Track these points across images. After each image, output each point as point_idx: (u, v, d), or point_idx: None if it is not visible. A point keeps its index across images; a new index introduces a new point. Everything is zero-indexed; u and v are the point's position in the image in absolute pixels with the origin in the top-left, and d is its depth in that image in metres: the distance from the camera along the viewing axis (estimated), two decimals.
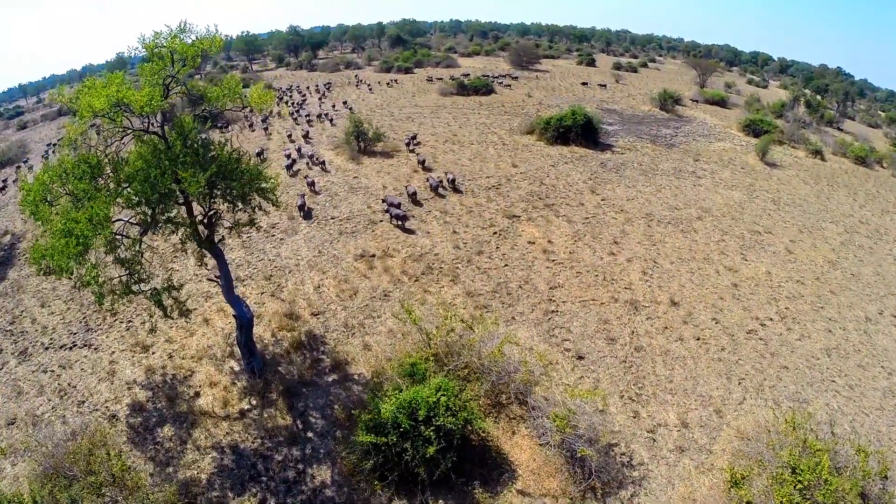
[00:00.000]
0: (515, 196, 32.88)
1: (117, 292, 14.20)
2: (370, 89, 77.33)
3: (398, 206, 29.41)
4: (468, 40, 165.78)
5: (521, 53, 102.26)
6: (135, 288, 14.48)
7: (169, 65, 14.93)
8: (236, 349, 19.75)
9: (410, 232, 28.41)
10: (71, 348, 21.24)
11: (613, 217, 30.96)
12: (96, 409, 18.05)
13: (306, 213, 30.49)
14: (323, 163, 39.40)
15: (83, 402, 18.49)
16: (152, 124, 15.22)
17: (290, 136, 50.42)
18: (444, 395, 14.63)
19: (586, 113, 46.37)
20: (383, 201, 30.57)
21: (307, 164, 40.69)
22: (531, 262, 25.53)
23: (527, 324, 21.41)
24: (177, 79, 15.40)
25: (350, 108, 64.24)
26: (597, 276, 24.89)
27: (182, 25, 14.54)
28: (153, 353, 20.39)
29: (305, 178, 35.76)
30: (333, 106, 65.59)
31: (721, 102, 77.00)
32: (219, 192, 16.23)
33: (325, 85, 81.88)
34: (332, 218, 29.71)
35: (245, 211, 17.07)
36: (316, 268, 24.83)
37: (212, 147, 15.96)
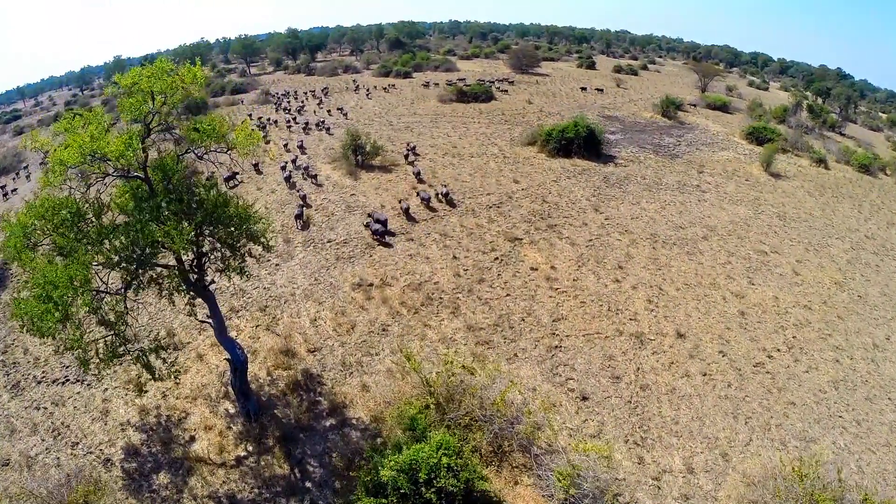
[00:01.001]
0: (517, 216, 32.20)
1: (102, 356, 13.54)
2: (368, 95, 76.59)
3: (384, 223, 29.51)
4: (467, 42, 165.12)
5: (520, 57, 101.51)
6: (121, 350, 13.81)
7: (149, 100, 14.21)
8: (231, 389, 19.13)
9: (388, 246, 28.67)
10: (63, 383, 20.65)
11: (618, 239, 30.28)
12: (91, 452, 17.50)
13: (304, 224, 31.06)
14: (315, 176, 38.95)
15: (77, 443, 17.93)
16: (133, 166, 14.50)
17: (286, 145, 49.78)
18: (445, 454, 13.96)
19: (588, 124, 45.67)
20: (369, 216, 30.76)
21: (302, 175, 40.20)
22: (534, 290, 24.86)
23: (529, 361, 20.76)
24: (160, 114, 14.67)
25: (345, 114, 63.64)
26: (601, 305, 24.23)
27: (158, 65, 13.82)
28: (146, 392, 19.75)
29: (298, 191, 35.16)
30: (329, 112, 64.98)
31: (723, 107, 76.35)
32: (206, 239, 15.56)
33: (322, 90, 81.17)
34: (329, 241, 29.05)
35: (234, 258, 16.33)
36: (312, 298, 24.17)
37: (197, 190, 15.16)
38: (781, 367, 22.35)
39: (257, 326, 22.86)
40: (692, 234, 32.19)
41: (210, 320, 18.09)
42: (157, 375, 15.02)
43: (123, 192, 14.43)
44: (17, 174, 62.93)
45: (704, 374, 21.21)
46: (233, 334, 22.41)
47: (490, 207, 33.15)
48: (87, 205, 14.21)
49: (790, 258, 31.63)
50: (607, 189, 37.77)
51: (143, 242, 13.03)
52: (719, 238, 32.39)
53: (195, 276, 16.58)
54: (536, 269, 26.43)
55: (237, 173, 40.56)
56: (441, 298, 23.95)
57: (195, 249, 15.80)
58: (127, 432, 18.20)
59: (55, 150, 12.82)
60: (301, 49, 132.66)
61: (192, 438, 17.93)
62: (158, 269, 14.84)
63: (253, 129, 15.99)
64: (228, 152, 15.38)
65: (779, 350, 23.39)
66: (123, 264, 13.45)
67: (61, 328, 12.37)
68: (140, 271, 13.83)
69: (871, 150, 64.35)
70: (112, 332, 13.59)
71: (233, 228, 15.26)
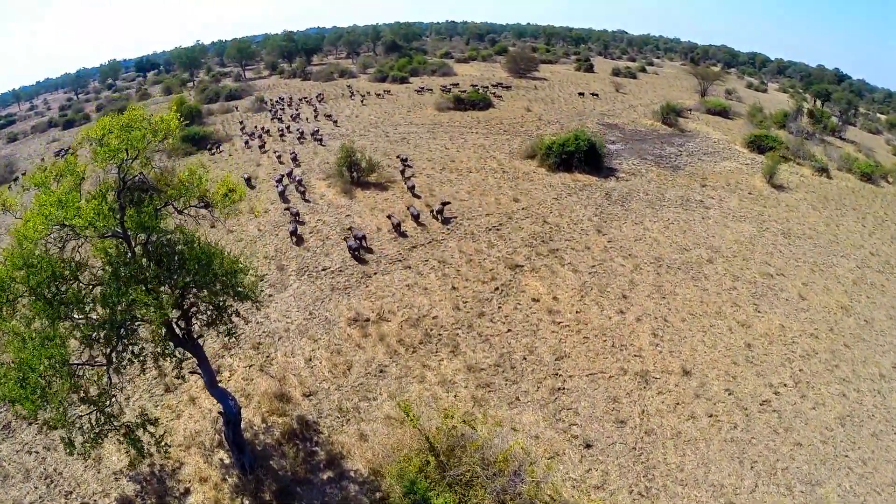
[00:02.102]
0: (517, 239, 31.49)
1: (87, 437, 12.80)
2: (363, 101, 75.83)
3: (362, 238, 30.24)
4: (464, 44, 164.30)
5: (518, 61, 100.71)
6: (106, 428, 13.07)
7: (123, 151, 13.27)
8: (225, 440, 18.43)
9: (363, 262, 29.28)
10: (54, 427, 19.91)
11: (621, 264, 29.60)
12: (85, 503, 16.80)
13: (298, 240, 31.44)
14: (304, 192, 38.61)
15: (70, 492, 17.20)
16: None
17: (279, 157, 49.07)
18: None
19: (590, 137, 44.97)
20: (349, 229, 31.90)
21: (296, 188, 39.84)
22: (536, 324, 24.17)
23: (532, 405, 20.07)
24: (141, 160, 13.78)
25: (334, 121, 62.91)
26: (605, 341, 23.54)
27: (129, 114, 13.02)
28: (137, 441, 19.07)
29: (291, 208, 34.44)
30: (325, 117, 64.27)
31: (723, 112, 75.77)
32: (191, 298, 14.79)
33: (317, 97, 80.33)
34: (324, 269, 28.32)
35: (221, 321, 15.54)
36: (307, 335, 23.45)
37: (179, 248, 14.29)
38: (788, 405, 21.72)
39: (250, 366, 22.12)
40: (697, 257, 31.51)
41: (199, 371, 17.39)
42: (145, 453, 14.27)
43: (101, 249, 13.59)
44: (11, 186, 62.03)
45: (710, 416, 20.55)
46: (226, 374, 21.77)
47: (490, 230, 32.44)
48: (62, 264, 13.37)
49: (796, 281, 31.00)
50: (609, 207, 37.07)
51: (121, 317, 12.26)
52: (724, 260, 31.73)
53: (182, 331, 15.86)
54: (538, 301, 25.72)
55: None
56: (440, 335, 23.24)
57: (181, 307, 15.06)
58: (120, 482, 17.48)
59: (19, 231, 11.94)
60: (297, 52, 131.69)
61: (187, 491, 17.19)
62: (140, 344, 14.00)
63: (236, 184, 15.03)
64: (209, 209, 14.51)
65: (785, 385, 22.76)
66: (102, 340, 12.68)
67: (43, 406, 11.65)
68: (120, 346, 13.04)
69: (871, 157, 63.95)
70: (96, 409, 12.84)
71: (219, 287, 14.43)
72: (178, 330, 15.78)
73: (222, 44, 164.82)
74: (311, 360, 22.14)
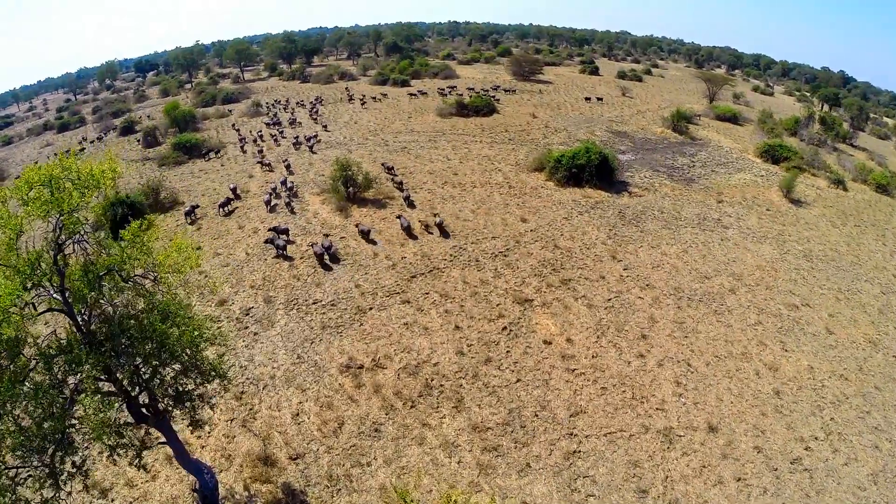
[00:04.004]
0: (526, 267, 29.05)
1: None
2: (363, 104, 73.42)
3: (286, 232, 31.72)
4: (467, 44, 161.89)
5: (522, 63, 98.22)
6: None
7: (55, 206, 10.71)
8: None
9: (289, 259, 29.78)
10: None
11: (639, 296, 27.15)
12: None
13: (286, 258, 30.25)
14: (291, 206, 37.31)
15: None
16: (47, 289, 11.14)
17: (269, 166, 46.92)
18: None
19: (601, 150, 42.53)
20: (272, 230, 32.20)
21: (285, 202, 38.01)
22: (548, 372, 21.73)
23: (544, 473, 17.66)
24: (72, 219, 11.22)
25: (324, 127, 60.77)
26: (624, 392, 21.11)
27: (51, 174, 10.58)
28: (112, 501, 16.78)
29: (275, 229, 32.13)
30: (316, 121, 62.03)
31: (733, 118, 73.39)
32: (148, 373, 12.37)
33: (316, 100, 77.91)
34: (315, 302, 25.92)
35: (183, 407, 13.13)
36: (294, 383, 21.05)
37: (128, 323, 11.74)
38: (819, 461, 19.43)
39: (232, 420, 19.76)
40: (718, 287, 29.08)
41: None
42: None
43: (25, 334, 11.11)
44: None
45: (739, 479, 18.20)
46: (206, 429, 19.36)
47: (496, 256, 29.99)
48: None
49: (822, 312, 28.62)
50: (623, 227, 34.61)
51: (56, 425, 9.88)
52: (747, 290, 29.29)
53: (142, 405, 13.49)
54: (550, 343, 23.27)
55: (197, 206, 37.70)
56: (442, 386, 20.80)
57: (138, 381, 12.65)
58: None
59: None
60: (297, 54, 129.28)
61: None
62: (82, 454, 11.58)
63: (190, 248, 12.39)
64: (155, 278, 11.96)
65: (816, 438, 20.44)
66: (35, 455, 10.32)
67: None
68: (60, 458, 10.68)
69: (885, 165, 61.78)
70: None
71: (178, 367, 12.01)
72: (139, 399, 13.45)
73: (222, 44, 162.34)
74: (298, 414, 19.75)
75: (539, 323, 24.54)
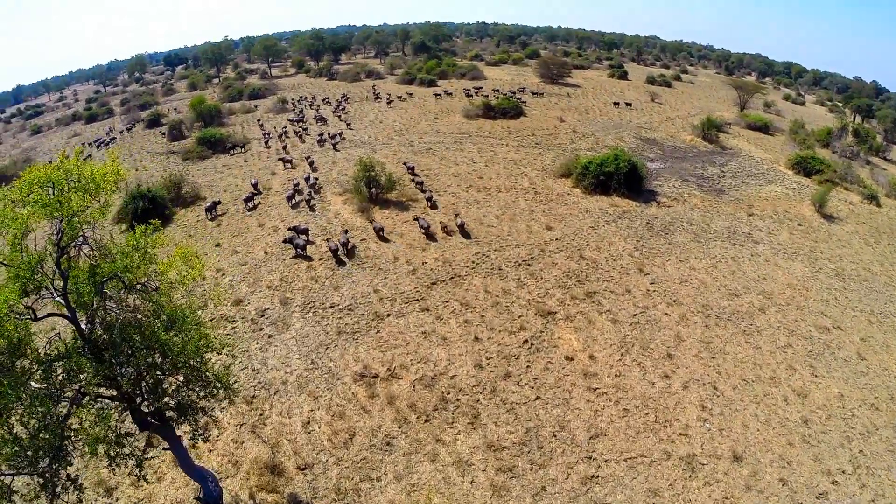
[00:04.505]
0: (550, 277, 28.16)
1: None
2: (389, 103, 73.03)
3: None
4: (495, 45, 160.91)
5: (550, 66, 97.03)
6: None
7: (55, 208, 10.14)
8: None
9: (308, 259, 29.65)
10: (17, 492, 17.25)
11: (665, 313, 26.11)
12: None
13: (305, 258, 30.04)
14: (310, 201, 37.34)
15: None
16: (50, 291, 10.64)
17: (290, 161, 46.70)
18: None
19: (630, 158, 41.44)
20: (291, 229, 31.99)
21: (305, 198, 37.97)
22: (569, 390, 20.84)
23: (560, 498, 16.78)
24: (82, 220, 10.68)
25: (348, 125, 60.57)
26: (647, 414, 20.14)
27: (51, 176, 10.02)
28: (117, 500, 16.39)
29: (296, 228, 31.71)
30: (340, 117, 61.77)
31: (763, 128, 71.54)
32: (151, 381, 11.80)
33: (342, 98, 77.72)
34: (332, 306, 25.36)
35: (185, 420, 12.56)
36: (306, 390, 20.49)
37: (131, 334, 11.12)
38: (846, 497, 18.23)
39: (241, 425, 19.26)
40: (748, 305, 27.89)
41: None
42: None
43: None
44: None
45: None
46: (214, 433, 18.90)
47: (519, 265, 29.15)
48: None
49: (853, 336, 27.26)
50: (651, 239, 33.52)
51: (50, 438, 9.37)
52: (777, 309, 28.05)
53: (146, 409, 12.96)
54: (572, 360, 22.37)
55: (218, 202, 37.54)
56: (458, 400, 20.05)
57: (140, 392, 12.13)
58: None
59: None
60: (324, 51, 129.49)
61: None
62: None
63: (195, 256, 11.74)
64: (156, 288, 11.37)
65: (844, 472, 19.22)
66: (28, 469, 9.82)
67: None
68: (55, 471, 10.19)
69: None
70: None
71: (181, 378, 11.45)
72: (145, 408, 12.95)
73: (250, 40, 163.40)
74: (309, 423, 19.18)
75: (561, 337, 23.66)
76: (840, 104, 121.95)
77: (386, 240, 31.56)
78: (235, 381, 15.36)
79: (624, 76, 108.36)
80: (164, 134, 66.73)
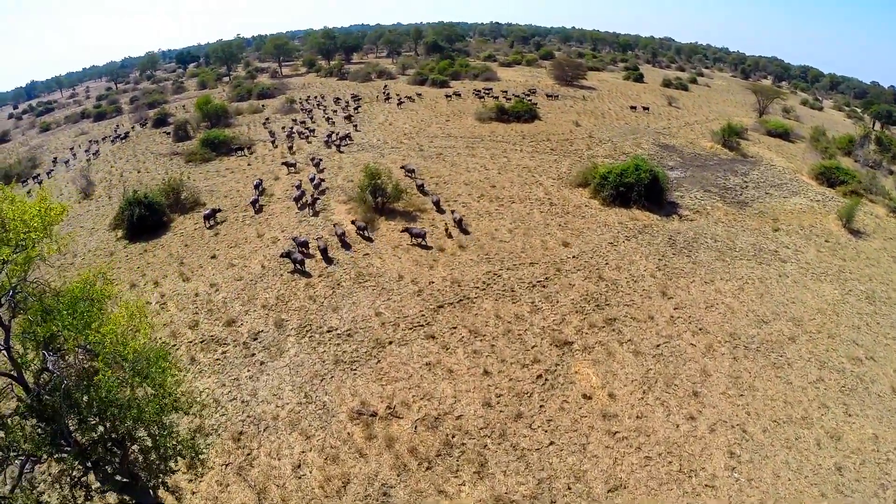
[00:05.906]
0: (567, 301, 26.21)
1: None
2: (400, 104, 71.27)
3: (305, 244, 29.75)
4: (508, 46, 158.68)
5: (565, 67, 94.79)
6: None
7: None
8: None
9: (307, 275, 28.10)
10: None
11: (691, 343, 24.11)
12: None
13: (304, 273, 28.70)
14: (313, 204, 36.50)
15: None
16: None
17: (294, 165, 45.11)
18: None
19: (652, 168, 39.36)
20: (293, 240, 30.64)
21: (309, 202, 37.07)
22: (586, 434, 18.92)
23: None
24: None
25: (355, 125, 59.20)
26: (671, 463, 18.20)
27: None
28: None
29: (295, 240, 30.06)
30: (349, 119, 60.20)
31: (784, 135, 68.92)
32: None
33: (353, 98, 76.08)
34: (329, 330, 23.60)
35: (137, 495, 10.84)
36: (298, 428, 18.75)
37: (77, 397, 9.34)
38: None
39: (227, 465, 17.58)
40: (777, 334, 25.82)
41: None
42: None
43: None
44: (25, 183, 59.17)
45: None
46: (199, 470, 17.19)
47: (533, 286, 27.22)
48: None
49: (887, 367, 25.14)
50: (674, 257, 31.46)
51: None
52: (808, 338, 25.95)
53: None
54: (590, 398, 20.42)
55: (218, 210, 36.15)
56: (464, 444, 18.20)
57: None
58: None
59: None
60: (336, 50, 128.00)
61: None
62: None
63: (141, 310, 10.00)
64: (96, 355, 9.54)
65: None
66: None
67: None
68: None
69: None
70: None
71: (136, 448, 9.72)
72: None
73: (262, 38, 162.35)
74: (299, 466, 17.45)
75: (578, 372, 21.71)
76: (858, 110, 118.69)
77: (370, 239, 31.21)
78: (203, 454, 13.47)
79: (640, 79, 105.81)
80: (168, 134, 65.43)
